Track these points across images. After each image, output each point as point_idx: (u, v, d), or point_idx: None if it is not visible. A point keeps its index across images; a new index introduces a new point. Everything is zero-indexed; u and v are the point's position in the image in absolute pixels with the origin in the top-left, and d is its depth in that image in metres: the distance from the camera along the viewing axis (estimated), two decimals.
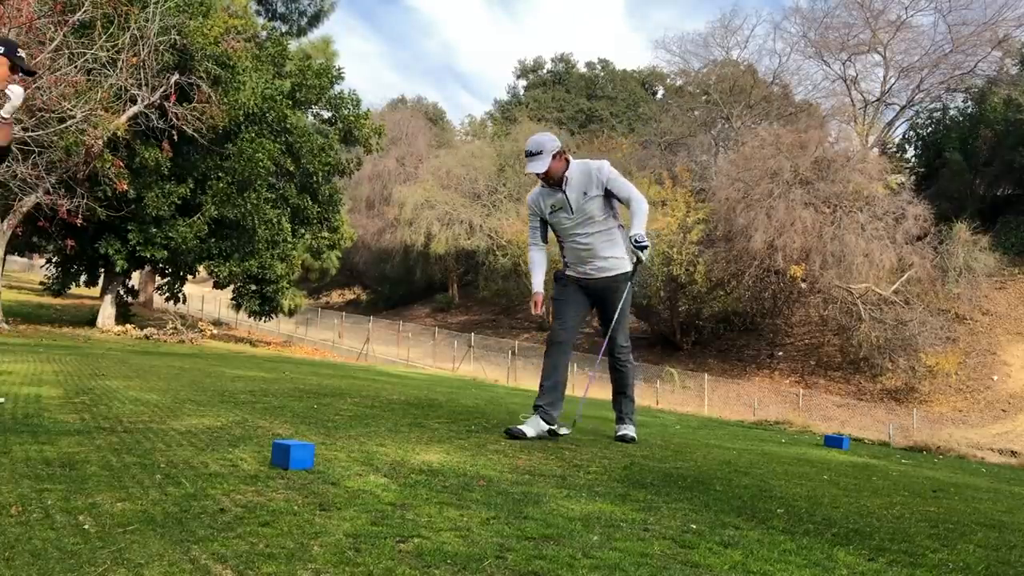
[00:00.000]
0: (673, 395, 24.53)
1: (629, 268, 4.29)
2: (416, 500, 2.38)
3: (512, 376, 25.26)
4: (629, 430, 4.52)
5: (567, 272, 4.45)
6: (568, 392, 5.17)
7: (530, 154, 4.16)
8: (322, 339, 32.58)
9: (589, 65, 54.76)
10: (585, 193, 4.17)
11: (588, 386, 5.38)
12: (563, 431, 4.44)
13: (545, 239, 4.48)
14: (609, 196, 4.23)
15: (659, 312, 31.35)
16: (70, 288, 21.17)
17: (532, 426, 4.12)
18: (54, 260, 20.82)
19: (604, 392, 5.23)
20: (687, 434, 5.89)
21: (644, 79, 53.30)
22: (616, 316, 4.32)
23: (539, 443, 3.98)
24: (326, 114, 23.18)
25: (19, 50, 3.04)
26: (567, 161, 4.21)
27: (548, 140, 4.20)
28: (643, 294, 30.14)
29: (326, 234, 23.75)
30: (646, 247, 3.99)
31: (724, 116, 36.56)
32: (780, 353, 29.33)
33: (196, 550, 1.72)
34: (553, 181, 4.19)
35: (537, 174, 4.16)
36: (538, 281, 4.42)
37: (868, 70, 36.73)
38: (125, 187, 16.02)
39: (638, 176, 33.94)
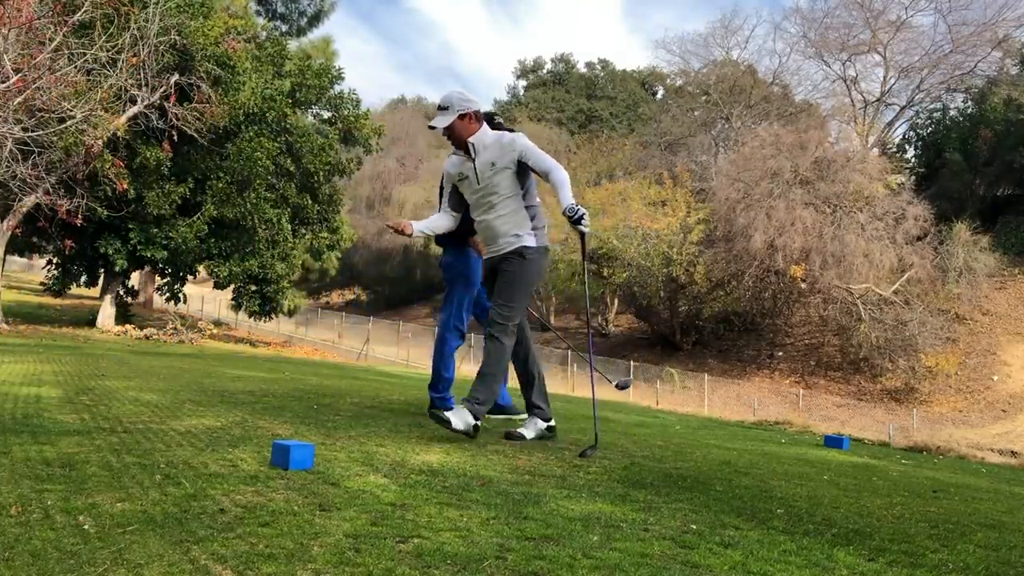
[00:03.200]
0: (673, 395, 24.53)
1: (530, 244, 3.89)
2: (416, 500, 2.38)
3: (512, 376, 25.19)
4: (453, 414, 3.66)
5: (485, 256, 4.18)
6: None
7: (439, 108, 3.92)
8: (322, 339, 32.58)
9: (589, 65, 54.78)
10: (493, 164, 3.85)
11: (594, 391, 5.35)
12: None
13: (455, 207, 4.14)
14: (524, 172, 3.89)
15: (659, 312, 31.35)
16: (70, 288, 21.17)
17: (457, 416, 3.73)
18: (54, 260, 20.83)
19: (584, 390, 5.23)
20: (687, 434, 5.89)
21: (644, 79, 53.30)
22: (501, 289, 3.91)
23: (539, 443, 3.98)
24: (326, 114, 23.18)
25: None
26: (480, 127, 3.89)
27: (458, 97, 3.90)
28: (643, 294, 30.14)
29: (326, 234, 23.76)
30: (582, 216, 3.64)
31: (724, 116, 36.57)
32: (780, 353, 29.33)
33: (196, 550, 1.72)
34: (457, 144, 3.93)
35: (441, 131, 3.92)
36: (420, 220, 4.19)
37: (868, 70, 36.89)
38: (125, 187, 16.03)
39: (638, 176, 33.99)
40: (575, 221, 3.64)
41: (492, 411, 5.08)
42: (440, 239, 4.47)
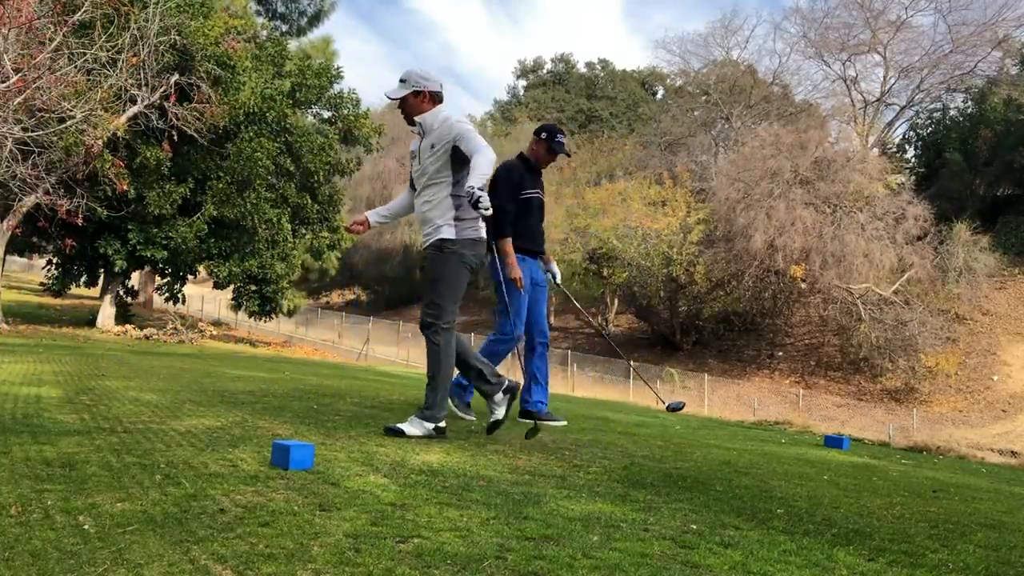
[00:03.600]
0: (673, 395, 24.50)
1: (447, 236, 3.75)
2: (416, 500, 2.38)
3: (512, 376, 25.20)
4: (405, 424, 3.75)
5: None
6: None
7: (400, 81, 3.87)
8: (322, 339, 32.58)
9: (589, 65, 54.79)
10: (433, 147, 3.77)
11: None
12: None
13: (413, 187, 4.06)
14: (462, 159, 3.73)
15: (659, 312, 31.36)
16: (70, 288, 21.17)
17: (411, 426, 3.79)
18: (54, 260, 20.83)
19: (593, 391, 5.22)
20: (687, 434, 5.89)
21: (644, 79, 53.30)
22: (427, 286, 3.87)
23: (539, 443, 3.98)
24: (326, 114, 23.17)
25: None
26: (432, 107, 3.82)
27: (417, 74, 3.84)
28: (643, 294, 30.14)
29: (326, 234, 23.75)
30: (478, 199, 3.42)
31: (724, 116, 36.57)
32: (780, 353, 29.33)
33: (196, 550, 1.72)
34: (407, 120, 3.91)
35: (396, 104, 3.90)
36: (375, 209, 4.18)
37: (868, 70, 36.91)
38: (125, 187, 16.03)
39: (638, 176, 34.00)
40: (473, 205, 3.46)
41: (523, 415, 5.04)
42: (489, 242, 4.41)
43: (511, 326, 4.78)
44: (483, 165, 3.58)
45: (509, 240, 4.72)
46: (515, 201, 4.86)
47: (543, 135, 5.02)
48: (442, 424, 3.77)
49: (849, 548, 2.26)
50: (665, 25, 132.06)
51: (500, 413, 3.93)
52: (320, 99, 22.36)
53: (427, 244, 3.85)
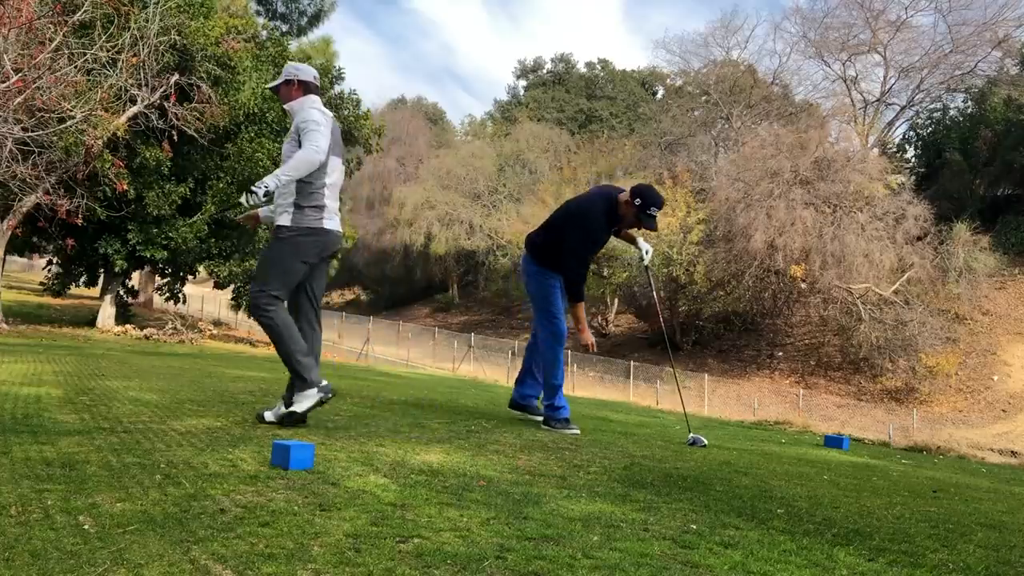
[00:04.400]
0: (673, 395, 24.47)
1: (283, 223, 3.78)
2: (416, 500, 2.38)
3: (512, 376, 25.24)
4: (294, 406, 3.80)
5: None
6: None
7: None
8: (322, 339, 32.55)
9: (589, 65, 54.76)
10: (289, 133, 3.89)
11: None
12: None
13: None
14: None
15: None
16: (70, 288, 21.17)
17: (272, 413, 3.88)
18: (54, 260, 20.82)
19: (593, 391, 5.21)
20: (687, 434, 5.88)
21: (644, 79, 53.28)
22: (258, 268, 3.92)
23: (539, 443, 3.98)
24: None
25: None
26: (301, 95, 3.92)
27: (291, 66, 4.01)
28: (643, 294, 30.13)
29: None
30: (252, 193, 3.56)
31: (724, 116, 36.56)
32: (780, 353, 29.33)
33: (196, 550, 1.72)
34: (284, 107, 4.02)
35: (271, 89, 4.09)
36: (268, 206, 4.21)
37: (868, 70, 36.72)
38: (125, 187, 16.02)
39: (638, 176, 33.96)
40: (250, 192, 3.60)
41: (513, 406, 5.21)
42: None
43: (560, 324, 4.84)
44: (294, 164, 3.65)
45: (582, 305, 4.74)
46: (589, 258, 4.84)
47: (637, 201, 4.58)
48: (324, 382, 3.83)
49: (849, 548, 2.26)
50: (665, 25, 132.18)
51: (296, 408, 3.81)
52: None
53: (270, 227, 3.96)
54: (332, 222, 3.86)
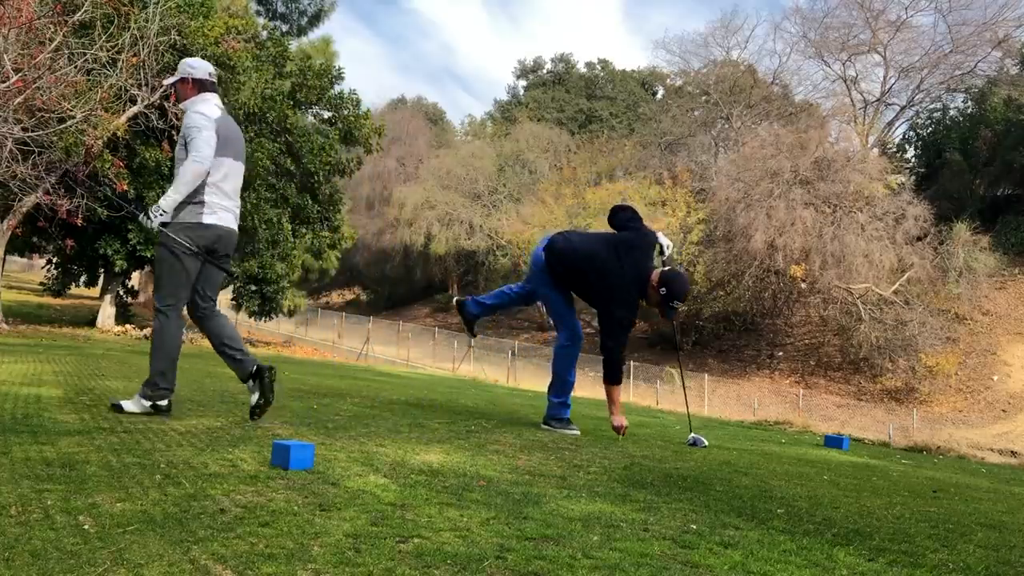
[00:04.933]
0: (673, 395, 24.48)
1: (165, 221, 3.75)
2: (416, 500, 2.38)
3: (512, 376, 25.25)
4: (128, 402, 3.91)
5: None
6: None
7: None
8: (322, 339, 32.58)
9: (589, 65, 54.74)
10: (179, 137, 3.88)
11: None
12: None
13: None
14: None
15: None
16: (70, 288, 21.16)
17: (132, 403, 3.91)
18: (54, 260, 20.82)
19: (593, 391, 5.19)
20: (687, 434, 5.88)
21: (644, 79, 53.26)
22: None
23: (539, 443, 3.98)
24: (326, 114, 23.18)
25: None
26: (195, 94, 3.88)
27: (185, 63, 3.97)
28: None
29: (326, 234, 23.76)
30: (150, 218, 3.70)
31: (724, 116, 36.56)
32: (780, 353, 29.33)
33: (196, 550, 1.72)
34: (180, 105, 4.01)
35: (169, 87, 4.06)
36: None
37: (868, 70, 36.73)
38: (125, 187, 16.01)
39: (638, 176, 33.96)
40: (146, 216, 3.70)
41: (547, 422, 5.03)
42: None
43: (577, 324, 4.92)
44: (181, 180, 3.71)
45: (619, 388, 4.69)
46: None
47: (663, 291, 4.51)
48: (162, 403, 3.90)
49: (849, 548, 2.26)
50: (665, 25, 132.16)
51: (253, 399, 3.92)
52: (321, 100, 22.37)
53: None
54: (215, 217, 3.79)
